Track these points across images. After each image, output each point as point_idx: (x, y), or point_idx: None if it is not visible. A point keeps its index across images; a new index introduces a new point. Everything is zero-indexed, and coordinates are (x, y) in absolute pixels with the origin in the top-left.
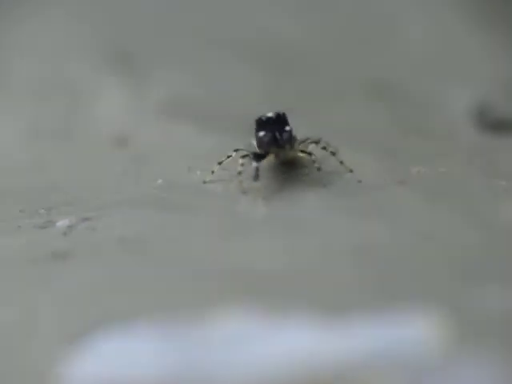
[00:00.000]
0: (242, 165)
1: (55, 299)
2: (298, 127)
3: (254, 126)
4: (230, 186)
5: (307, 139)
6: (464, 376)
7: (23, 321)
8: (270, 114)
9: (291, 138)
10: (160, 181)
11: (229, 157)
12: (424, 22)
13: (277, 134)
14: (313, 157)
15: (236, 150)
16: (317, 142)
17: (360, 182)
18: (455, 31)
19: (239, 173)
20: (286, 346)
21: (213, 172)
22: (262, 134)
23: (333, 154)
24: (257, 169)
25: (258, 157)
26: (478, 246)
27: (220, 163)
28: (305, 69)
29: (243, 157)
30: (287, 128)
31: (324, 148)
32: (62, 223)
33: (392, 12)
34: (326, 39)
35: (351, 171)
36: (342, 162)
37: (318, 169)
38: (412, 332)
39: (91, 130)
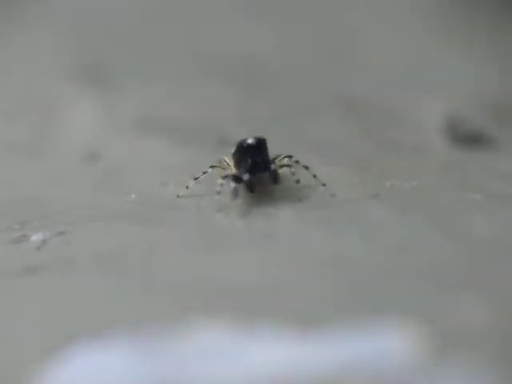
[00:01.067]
0: (221, 185)
1: (29, 313)
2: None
3: (233, 148)
4: (203, 201)
5: (279, 155)
6: None
7: None
8: (250, 141)
9: (274, 173)
10: (133, 195)
11: (204, 173)
12: (396, 37)
13: (258, 169)
14: (292, 169)
15: (212, 167)
16: (289, 157)
17: (334, 195)
18: (427, 46)
19: (218, 192)
20: (261, 359)
21: (187, 187)
22: (246, 177)
23: (306, 168)
24: (236, 189)
25: (237, 179)
26: (452, 258)
27: (196, 179)
28: (277, 84)
29: (223, 177)
30: (271, 165)
31: (297, 162)
32: (35, 238)
33: (364, 27)
34: (299, 54)
35: (324, 185)
36: (315, 176)
37: (297, 181)
38: (388, 344)
39: (64, 144)
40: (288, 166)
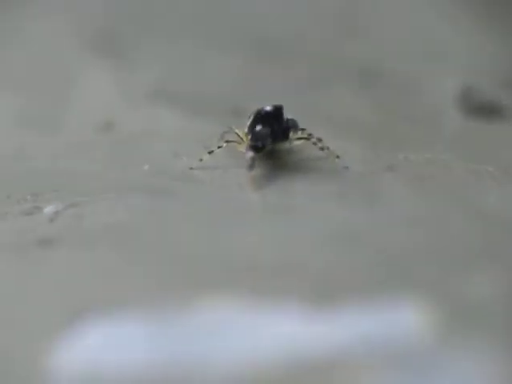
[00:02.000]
0: (219, 147)
1: (43, 285)
2: (286, 114)
3: (249, 117)
4: (216, 173)
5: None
6: (453, 363)
7: (11, 307)
8: (268, 108)
9: (287, 134)
10: (146, 166)
11: (219, 147)
12: (410, 10)
13: (274, 130)
14: (312, 140)
15: (227, 142)
16: (303, 130)
17: (347, 168)
18: (439, 18)
19: (250, 166)
20: (276, 332)
21: (201, 160)
22: (258, 128)
23: (319, 140)
24: (253, 159)
25: (255, 148)
26: (466, 232)
27: (210, 152)
28: (290, 56)
29: (227, 141)
30: (283, 123)
31: (310, 135)
32: (48, 209)
33: (374, 2)
34: (311, 27)
35: (338, 157)
36: (328, 148)
37: (322, 148)
38: (401, 319)
39: (76, 115)
40: (307, 137)
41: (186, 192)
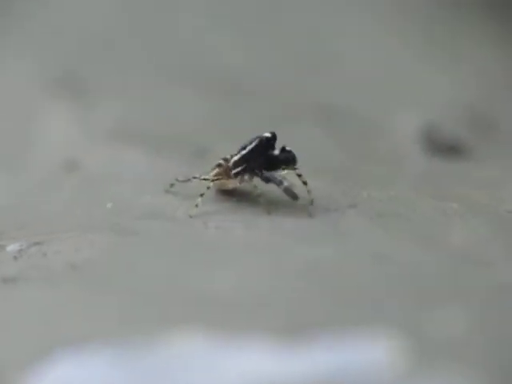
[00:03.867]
0: (208, 188)
1: (7, 323)
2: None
3: (249, 145)
4: (179, 210)
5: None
6: None
7: None
8: (267, 134)
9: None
10: (110, 205)
11: (208, 188)
12: (371, 48)
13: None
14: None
15: (213, 180)
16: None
17: (311, 205)
18: (401, 57)
19: (259, 196)
20: (243, 368)
21: (197, 205)
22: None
23: (305, 183)
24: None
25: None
26: (430, 267)
27: (202, 195)
28: (253, 95)
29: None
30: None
31: (300, 176)
32: (12, 247)
33: (340, 38)
34: (275, 65)
35: (311, 204)
36: (308, 191)
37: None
38: (368, 354)
39: (41, 155)
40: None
41: (149, 230)
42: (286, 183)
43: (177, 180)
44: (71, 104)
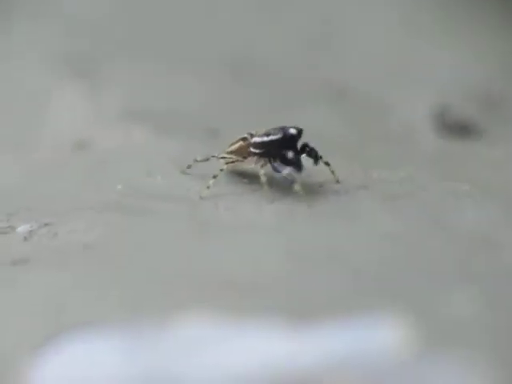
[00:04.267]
0: (265, 175)
1: (18, 305)
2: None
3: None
4: (191, 191)
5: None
6: (431, 379)
7: None
8: (293, 131)
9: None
10: (120, 186)
11: (221, 170)
12: (386, 27)
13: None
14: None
15: (227, 163)
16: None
17: (322, 186)
18: (417, 36)
19: (264, 184)
20: (253, 350)
21: (208, 187)
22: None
23: (327, 164)
24: (291, 173)
25: (285, 160)
26: (442, 250)
27: (215, 177)
28: (265, 76)
29: (262, 166)
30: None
31: (320, 157)
32: (22, 229)
33: (353, 19)
34: (287, 46)
35: (338, 182)
36: (333, 172)
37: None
38: (379, 336)
39: (50, 135)
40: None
41: (159, 210)
42: (286, 171)
43: (195, 160)
44: (81, 85)
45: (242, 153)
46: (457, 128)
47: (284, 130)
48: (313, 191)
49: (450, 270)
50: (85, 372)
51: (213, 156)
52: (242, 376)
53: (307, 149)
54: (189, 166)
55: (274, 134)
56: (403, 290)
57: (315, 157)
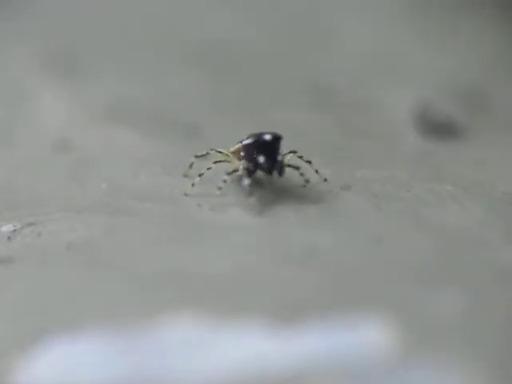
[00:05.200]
0: (225, 181)
1: (1, 305)
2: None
3: (249, 141)
4: (175, 191)
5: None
6: (413, 378)
7: None
8: (268, 137)
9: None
10: (104, 185)
11: (209, 169)
12: (365, 26)
13: (270, 162)
14: (300, 170)
15: (215, 162)
16: (294, 152)
17: (304, 186)
18: (395, 34)
19: (219, 189)
20: (237, 351)
21: (193, 185)
22: (262, 159)
23: (309, 162)
24: (249, 185)
25: (251, 172)
26: (425, 249)
27: (200, 175)
28: (248, 73)
29: (229, 174)
30: (279, 157)
31: (300, 157)
32: (6, 228)
33: (335, 16)
34: (269, 43)
35: (325, 180)
36: (317, 171)
37: (307, 181)
38: (363, 337)
39: (35, 133)
40: (297, 168)
41: (143, 211)
42: (245, 183)
43: (195, 156)
44: (66, 81)
45: (237, 154)
46: (440, 128)
47: (260, 135)
48: (296, 191)
49: (434, 270)
50: (67, 374)
51: (211, 149)
52: (226, 377)
53: (277, 160)
54: (191, 166)
55: (250, 138)
56: (387, 291)
57: (268, 172)
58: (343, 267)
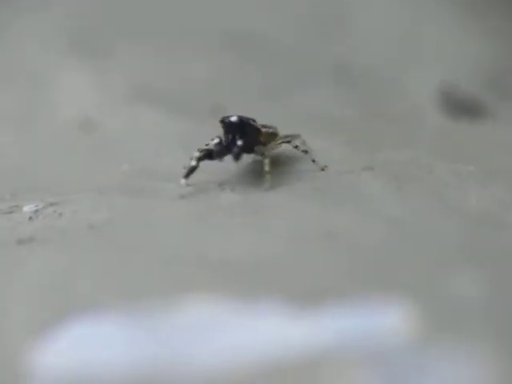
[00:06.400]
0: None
1: (22, 284)
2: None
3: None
4: (197, 173)
5: (287, 136)
6: (433, 361)
7: None
8: (233, 119)
9: (240, 153)
10: (126, 166)
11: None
12: (386, 7)
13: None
14: (265, 161)
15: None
16: (288, 142)
17: (326, 168)
18: (418, 16)
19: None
20: (256, 333)
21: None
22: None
23: (305, 152)
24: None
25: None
26: (447, 231)
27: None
28: (269, 55)
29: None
30: (239, 142)
31: (296, 147)
32: (28, 208)
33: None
34: (290, 25)
35: (323, 169)
36: (314, 161)
37: (305, 151)
38: (382, 320)
39: (57, 114)
40: (288, 141)
41: (166, 192)
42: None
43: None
44: (88, 64)
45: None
46: (464, 109)
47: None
48: (317, 172)
49: (455, 252)
50: (87, 354)
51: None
52: (245, 360)
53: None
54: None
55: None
56: (407, 273)
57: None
58: (363, 249)
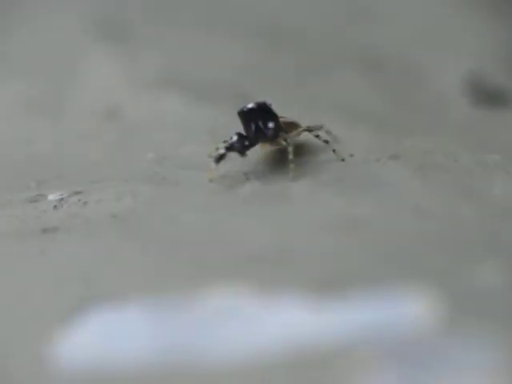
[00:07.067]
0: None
1: (47, 273)
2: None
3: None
4: (221, 163)
5: (308, 126)
6: (459, 352)
7: (14, 296)
8: (250, 106)
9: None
10: (151, 155)
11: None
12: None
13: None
14: (289, 148)
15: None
16: (310, 131)
17: (352, 156)
18: (448, 7)
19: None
20: (279, 321)
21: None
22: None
23: (326, 142)
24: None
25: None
26: (472, 221)
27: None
28: (295, 43)
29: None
30: (270, 124)
31: (317, 136)
32: (52, 197)
33: None
34: (316, 13)
35: (343, 160)
36: (334, 151)
37: (326, 141)
38: (404, 308)
39: (81, 101)
40: (308, 130)
41: (191, 180)
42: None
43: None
44: (113, 51)
45: None
46: (490, 98)
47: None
48: (343, 161)
49: (480, 242)
50: (109, 343)
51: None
52: (266, 349)
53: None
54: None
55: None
56: (430, 262)
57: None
58: (387, 238)
